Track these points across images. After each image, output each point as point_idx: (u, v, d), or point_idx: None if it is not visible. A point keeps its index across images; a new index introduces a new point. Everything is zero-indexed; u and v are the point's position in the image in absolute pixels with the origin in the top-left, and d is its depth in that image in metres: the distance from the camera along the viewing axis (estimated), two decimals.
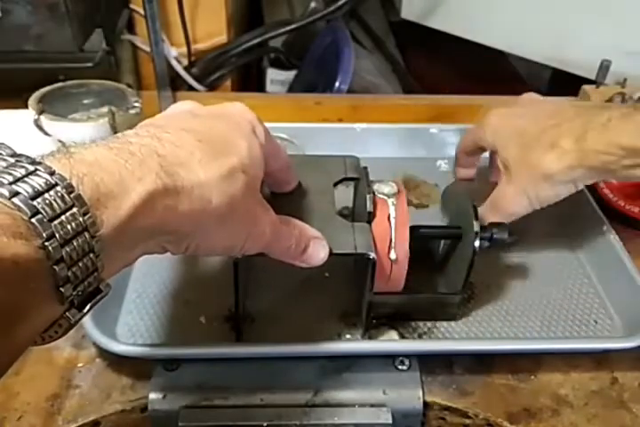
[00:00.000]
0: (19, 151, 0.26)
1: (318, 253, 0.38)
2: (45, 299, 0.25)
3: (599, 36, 0.74)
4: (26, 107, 0.55)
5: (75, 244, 0.25)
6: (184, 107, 0.37)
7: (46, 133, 0.54)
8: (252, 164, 0.33)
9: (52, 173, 0.25)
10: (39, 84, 0.58)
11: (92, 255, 0.26)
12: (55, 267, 0.24)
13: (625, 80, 0.68)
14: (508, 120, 0.49)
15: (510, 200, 0.48)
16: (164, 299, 0.49)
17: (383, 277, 0.43)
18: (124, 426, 0.43)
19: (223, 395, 0.42)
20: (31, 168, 0.25)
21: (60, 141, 0.54)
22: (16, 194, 0.24)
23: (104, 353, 0.44)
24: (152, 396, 0.42)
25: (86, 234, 0.25)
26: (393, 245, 0.42)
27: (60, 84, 0.58)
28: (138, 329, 0.46)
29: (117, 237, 0.27)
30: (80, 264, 0.25)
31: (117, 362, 0.44)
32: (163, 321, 0.47)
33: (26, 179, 0.24)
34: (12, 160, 0.25)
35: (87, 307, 0.27)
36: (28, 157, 0.26)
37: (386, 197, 0.43)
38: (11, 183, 0.24)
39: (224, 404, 0.42)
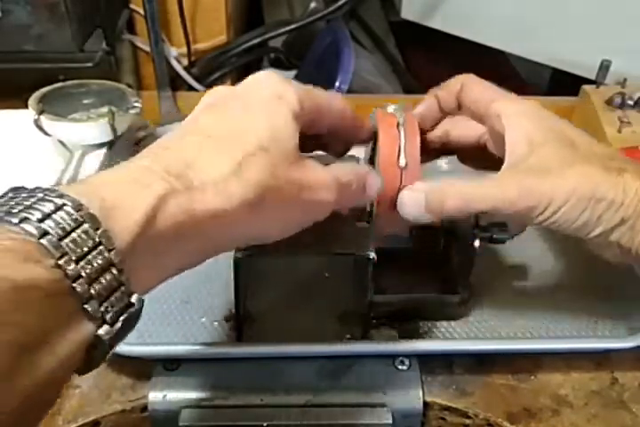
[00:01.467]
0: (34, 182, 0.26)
1: (376, 182, 0.37)
2: (72, 319, 0.24)
3: (599, 36, 0.74)
4: (26, 107, 0.55)
5: (90, 258, 0.24)
6: (206, 100, 0.35)
7: (46, 133, 0.54)
8: (275, 137, 0.32)
9: (60, 196, 0.25)
10: (39, 84, 0.58)
11: (113, 269, 0.25)
12: (74, 284, 0.24)
13: (625, 80, 0.68)
14: (546, 119, 0.41)
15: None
16: (163, 299, 0.49)
17: (392, 189, 0.38)
18: (124, 426, 0.43)
19: (223, 395, 0.42)
20: (40, 195, 0.25)
21: (59, 141, 0.54)
22: (25, 219, 0.24)
23: None
24: (152, 396, 0.42)
25: (101, 248, 0.25)
26: (402, 149, 0.38)
27: (59, 84, 0.58)
28: (138, 329, 0.46)
29: (138, 248, 0.26)
30: (102, 279, 0.25)
31: (117, 362, 0.44)
32: (163, 321, 0.47)
33: (35, 205, 0.24)
34: (25, 194, 0.25)
35: (119, 323, 0.26)
36: (43, 188, 0.26)
37: (392, 111, 0.41)
38: (20, 211, 0.24)
39: (224, 404, 0.42)
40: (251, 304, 0.48)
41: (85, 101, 0.57)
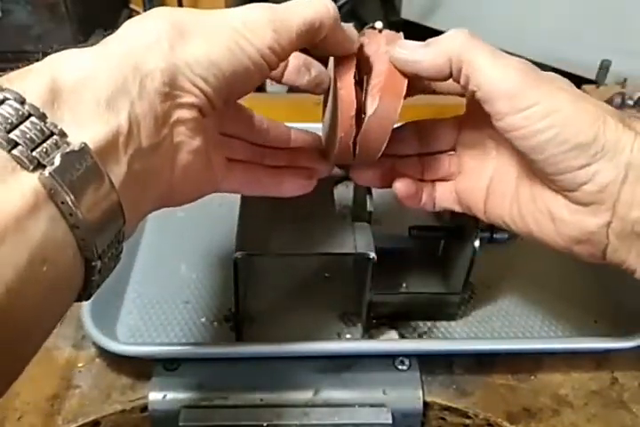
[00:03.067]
0: None
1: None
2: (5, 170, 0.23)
3: (599, 36, 0.74)
4: None
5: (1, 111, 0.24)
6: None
7: None
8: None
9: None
10: None
11: (32, 118, 0.24)
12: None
13: (625, 80, 0.68)
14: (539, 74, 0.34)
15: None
16: (163, 299, 0.49)
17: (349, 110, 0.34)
18: (124, 426, 0.43)
19: (223, 395, 0.42)
20: None
21: None
22: None
23: (104, 353, 0.44)
24: (152, 396, 0.42)
25: (10, 102, 0.24)
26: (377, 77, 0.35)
27: None
28: (138, 329, 0.46)
29: (59, 102, 0.25)
30: (22, 127, 0.24)
31: (117, 362, 0.44)
32: (163, 321, 0.47)
33: None
34: None
35: (57, 161, 0.24)
36: None
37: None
38: None
39: (224, 404, 0.42)
40: (250, 304, 0.48)
41: None
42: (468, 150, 0.40)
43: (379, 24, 0.39)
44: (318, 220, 0.42)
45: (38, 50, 0.64)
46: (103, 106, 0.26)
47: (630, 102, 0.65)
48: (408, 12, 0.92)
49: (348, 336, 0.47)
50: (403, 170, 0.40)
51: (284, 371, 0.44)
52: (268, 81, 0.96)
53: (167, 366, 0.43)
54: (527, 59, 0.35)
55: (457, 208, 0.40)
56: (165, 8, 0.31)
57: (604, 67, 0.67)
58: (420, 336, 0.47)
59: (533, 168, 0.34)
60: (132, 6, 0.79)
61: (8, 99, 0.24)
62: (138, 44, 0.28)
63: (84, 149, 0.24)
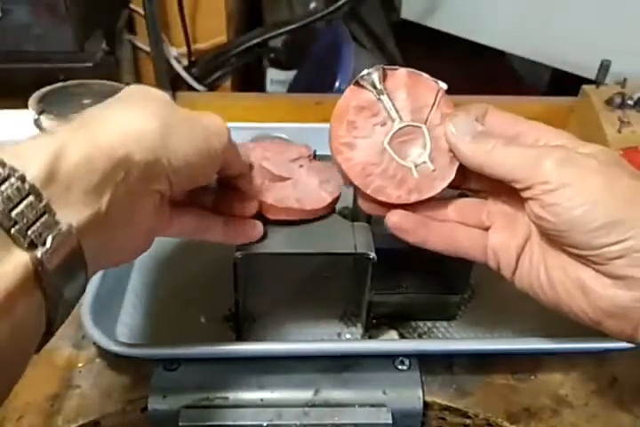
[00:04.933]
0: None
1: None
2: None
3: (599, 36, 0.74)
4: (26, 107, 0.55)
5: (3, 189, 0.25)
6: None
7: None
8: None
9: None
10: (39, 84, 0.58)
11: (30, 197, 0.26)
12: None
13: (625, 80, 0.68)
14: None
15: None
16: (163, 299, 0.49)
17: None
18: (124, 426, 0.43)
19: (223, 395, 0.42)
20: None
21: None
22: None
23: (104, 353, 0.44)
24: (152, 396, 0.42)
25: (12, 179, 0.26)
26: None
27: (59, 84, 0.58)
28: (138, 329, 0.46)
29: (56, 180, 0.27)
30: (20, 206, 0.25)
31: (117, 362, 0.44)
32: (163, 321, 0.47)
33: None
34: None
35: (48, 242, 0.26)
36: None
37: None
38: None
39: (224, 404, 0.42)
40: (250, 304, 0.48)
41: (85, 101, 0.57)
42: (501, 205, 0.39)
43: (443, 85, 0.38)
44: (318, 220, 0.42)
45: (38, 50, 0.64)
46: (91, 191, 0.28)
47: (630, 102, 0.65)
48: (408, 12, 0.92)
49: (348, 336, 0.47)
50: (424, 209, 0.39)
51: (284, 371, 0.44)
52: (268, 81, 0.96)
53: (167, 366, 0.43)
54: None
55: (482, 260, 0.39)
56: (154, 93, 0.36)
57: (604, 67, 0.67)
58: (420, 336, 0.47)
59: (564, 242, 0.34)
60: (132, 6, 0.79)
61: (12, 176, 0.26)
62: (132, 134, 0.31)
63: (69, 230, 0.27)
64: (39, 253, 0.26)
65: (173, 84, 0.77)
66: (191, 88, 0.84)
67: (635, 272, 0.32)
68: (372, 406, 0.43)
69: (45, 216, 0.26)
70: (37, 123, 0.53)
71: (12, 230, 0.25)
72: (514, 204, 0.37)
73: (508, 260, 0.38)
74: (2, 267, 0.25)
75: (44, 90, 0.57)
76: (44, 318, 0.27)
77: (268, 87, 0.96)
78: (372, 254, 0.40)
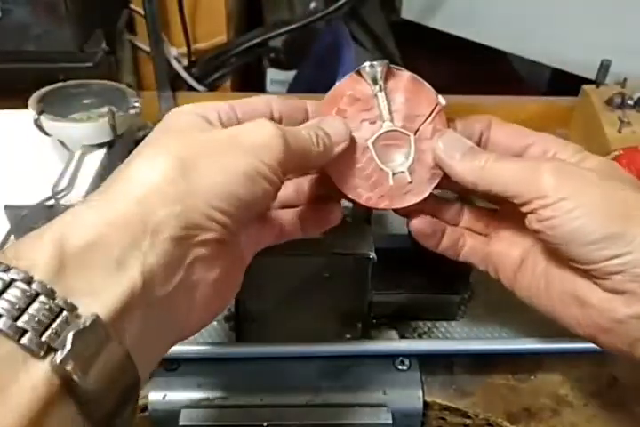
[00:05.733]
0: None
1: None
2: (14, 362, 0.22)
3: (599, 36, 0.74)
4: (26, 107, 0.55)
5: (6, 295, 0.22)
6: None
7: (46, 133, 0.53)
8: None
9: (6, 270, 0.23)
10: (39, 84, 0.57)
11: (41, 297, 0.23)
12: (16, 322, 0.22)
13: (625, 80, 0.68)
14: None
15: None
16: None
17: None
18: None
19: (223, 395, 0.42)
20: None
21: (59, 141, 0.54)
22: None
23: None
24: (152, 396, 0.42)
25: (17, 283, 0.23)
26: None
27: (59, 84, 0.58)
28: None
29: (67, 269, 0.24)
30: (30, 309, 0.22)
31: None
32: None
33: None
34: None
35: (68, 343, 0.22)
36: None
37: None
38: None
39: (224, 404, 0.42)
40: (251, 304, 0.48)
41: (85, 101, 0.57)
42: (505, 215, 0.39)
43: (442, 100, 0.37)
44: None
45: (38, 50, 0.64)
46: (113, 267, 0.24)
47: (630, 102, 0.65)
48: (408, 12, 0.92)
49: (347, 336, 0.47)
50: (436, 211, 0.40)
51: (284, 371, 0.44)
52: (268, 81, 0.96)
53: (167, 366, 0.43)
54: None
55: (482, 267, 0.40)
56: (180, 122, 0.30)
57: (604, 67, 0.67)
58: (420, 336, 0.47)
59: (563, 256, 0.33)
60: (132, 6, 0.79)
61: (15, 280, 0.22)
62: (143, 193, 0.26)
63: (95, 322, 0.23)
64: (58, 358, 0.22)
65: (173, 84, 0.77)
66: (191, 88, 0.84)
67: (634, 287, 0.31)
68: (372, 406, 0.43)
69: (64, 314, 0.23)
70: (37, 123, 0.53)
71: (23, 339, 0.22)
72: (517, 214, 0.37)
73: (507, 269, 0.38)
74: (18, 387, 0.21)
75: (43, 90, 0.57)
76: None
77: (268, 87, 0.96)
78: (372, 254, 0.40)
